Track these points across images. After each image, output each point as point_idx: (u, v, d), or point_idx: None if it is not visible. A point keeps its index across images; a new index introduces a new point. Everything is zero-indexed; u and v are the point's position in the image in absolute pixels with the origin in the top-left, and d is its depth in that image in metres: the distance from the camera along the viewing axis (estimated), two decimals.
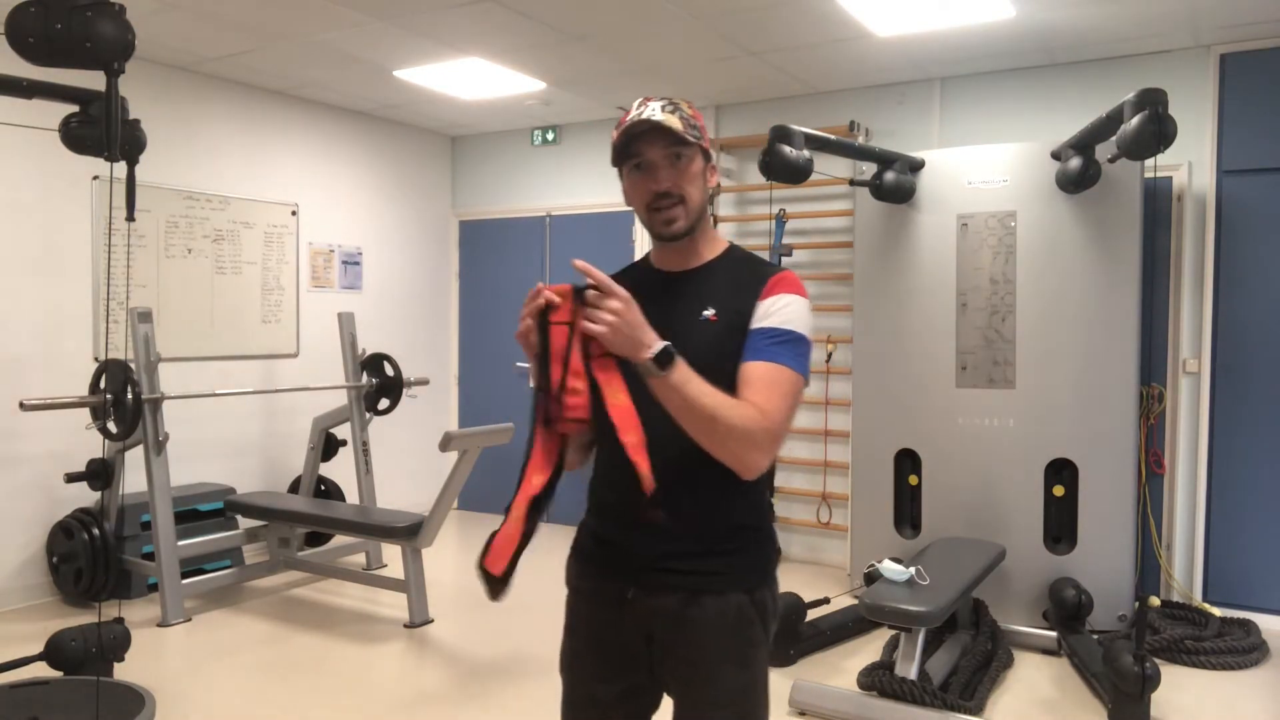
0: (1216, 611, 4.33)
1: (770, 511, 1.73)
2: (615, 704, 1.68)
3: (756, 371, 1.53)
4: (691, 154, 1.61)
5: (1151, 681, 3.11)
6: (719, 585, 1.58)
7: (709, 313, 1.59)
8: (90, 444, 4.48)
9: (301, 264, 5.92)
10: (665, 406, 1.46)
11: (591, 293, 1.44)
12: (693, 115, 1.62)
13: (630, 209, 1.71)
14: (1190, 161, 4.56)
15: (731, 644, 1.59)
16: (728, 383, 1.52)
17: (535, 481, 1.53)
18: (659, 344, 1.43)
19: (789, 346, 1.54)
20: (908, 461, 4.68)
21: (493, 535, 1.54)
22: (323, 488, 5.61)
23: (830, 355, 5.38)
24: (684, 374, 1.44)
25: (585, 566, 1.72)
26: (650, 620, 1.61)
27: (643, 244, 6.15)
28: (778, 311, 1.57)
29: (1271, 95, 4.39)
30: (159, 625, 4.28)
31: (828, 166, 4.80)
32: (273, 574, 5.04)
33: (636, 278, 1.68)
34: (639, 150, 1.60)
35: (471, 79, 5.33)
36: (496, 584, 1.53)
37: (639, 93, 6.72)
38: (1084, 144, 4.05)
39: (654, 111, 1.58)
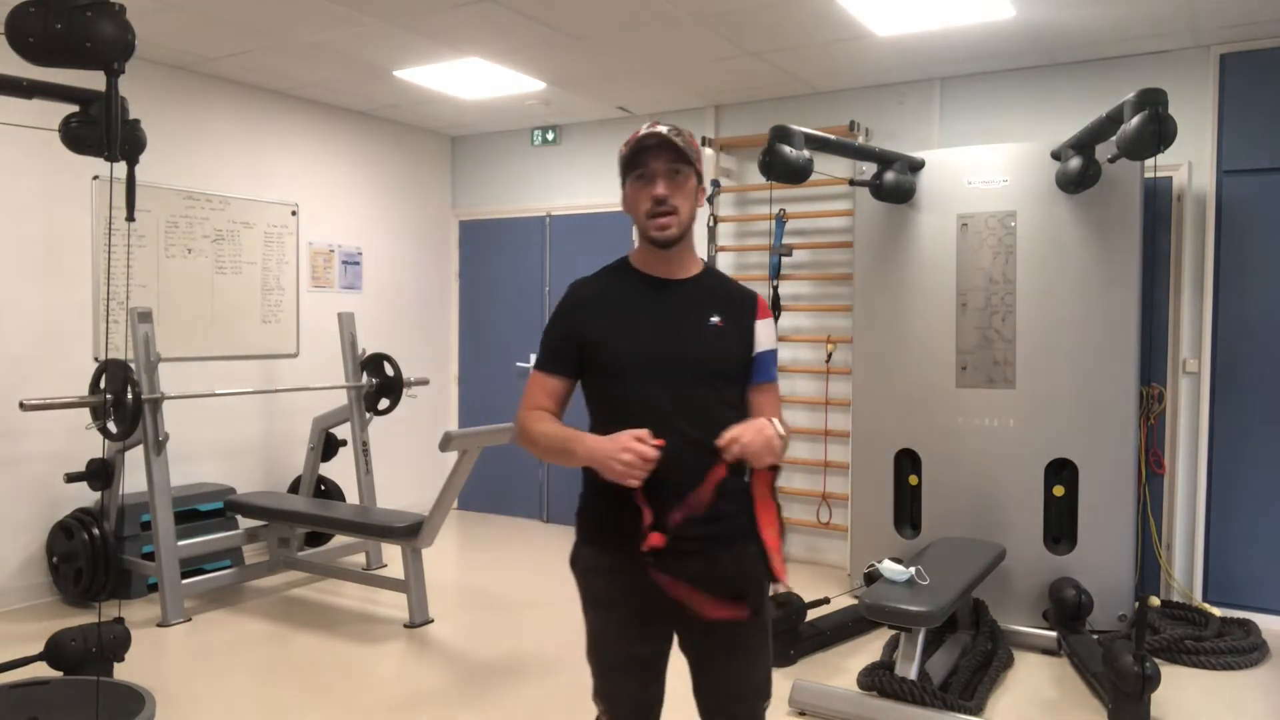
0: (1216, 611, 4.32)
1: None
2: (652, 660, 1.93)
3: (770, 392, 1.96)
4: (688, 173, 1.88)
5: (1151, 681, 3.11)
6: (729, 541, 1.85)
7: (715, 319, 1.90)
8: (90, 444, 4.48)
9: (301, 264, 5.92)
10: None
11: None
12: (691, 143, 1.89)
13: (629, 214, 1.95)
14: (1190, 161, 4.56)
15: (753, 585, 1.87)
16: (728, 379, 1.90)
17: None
18: (781, 429, 1.79)
19: (775, 362, 1.98)
20: (908, 461, 4.68)
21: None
22: (323, 488, 5.61)
23: (830, 355, 5.38)
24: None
25: (604, 545, 1.91)
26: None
27: None
28: (768, 335, 1.96)
29: (1271, 95, 4.39)
30: (159, 625, 4.28)
31: (828, 166, 4.80)
32: (273, 574, 5.03)
33: (626, 280, 1.95)
34: (644, 162, 1.86)
35: (471, 79, 5.33)
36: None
37: (639, 93, 6.71)
38: (1084, 144, 4.05)
39: (662, 131, 1.85)
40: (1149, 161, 3.83)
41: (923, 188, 4.59)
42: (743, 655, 1.90)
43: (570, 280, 2.01)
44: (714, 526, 1.83)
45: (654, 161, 1.84)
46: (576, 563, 1.95)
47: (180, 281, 5.21)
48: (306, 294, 5.94)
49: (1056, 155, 4.27)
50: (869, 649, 4.05)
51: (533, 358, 8.06)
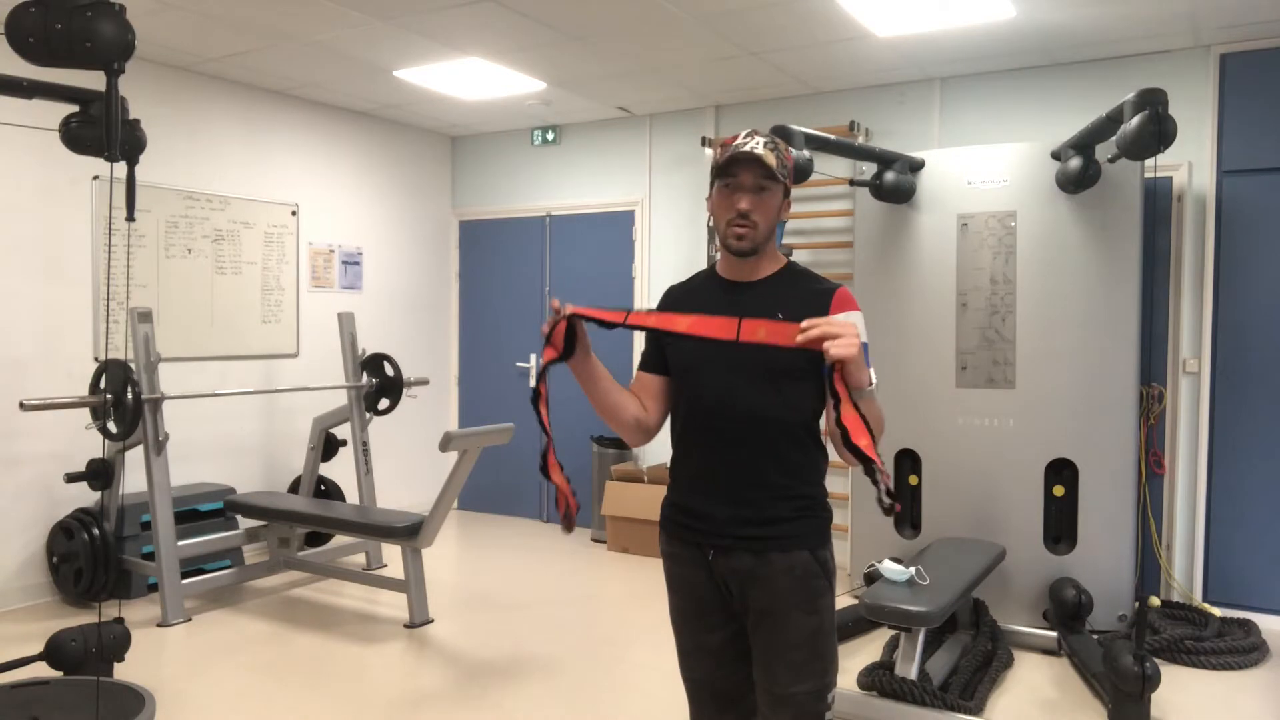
0: (1216, 611, 4.33)
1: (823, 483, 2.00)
2: (721, 649, 1.99)
3: None
4: (775, 189, 1.91)
5: (1151, 681, 3.11)
6: (784, 545, 1.88)
7: (780, 318, 1.86)
8: (90, 444, 4.48)
9: (301, 264, 5.92)
10: (864, 413, 1.71)
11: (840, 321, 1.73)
12: (785, 158, 1.93)
13: (704, 218, 1.91)
14: (1190, 161, 4.56)
15: (800, 593, 1.89)
16: (792, 378, 1.87)
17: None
18: (872, 374, 1.76)
19: (866, 356, 1.83)
20: (908, 461, 4.68)
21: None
22: (323, 488, 5.61)
23: None
24: (872, 390, 1.77)
25: (673, 535, 2.02)
26: (730, 577, 1.92)
27: (642, 243, 6.16)
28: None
29: (1271, 95, 4.39)
30: (159, 625, 4.28)
31: (828, 166, 4.80)
32: (273, 574, 5.04)
33: (706, 284, 2.06)
34: (735, 172, 1.90)
35: (471, 79, 5.33)
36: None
37: (639, 93, 6.69)
38: (1084, 144, 4.05)
39: (757, 145, 1.88)
40: (1149, 161, 3.83)
41: (923, 188, 4.59)
42: (788, 649, 1.89)
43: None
44: (768, 529, 1.88)
45: (743, 174, 1.89)
46: (660, 546, 2.07)
47: (180, 281, 5.21)
48: (306, 294, 5.94)
49: (1056, 155, 4.27)
50: (869, 649, 4.04)
51: (533, 358, 8.03)
